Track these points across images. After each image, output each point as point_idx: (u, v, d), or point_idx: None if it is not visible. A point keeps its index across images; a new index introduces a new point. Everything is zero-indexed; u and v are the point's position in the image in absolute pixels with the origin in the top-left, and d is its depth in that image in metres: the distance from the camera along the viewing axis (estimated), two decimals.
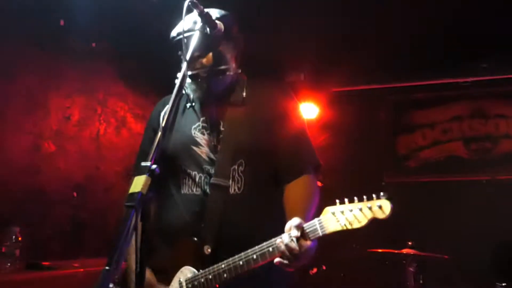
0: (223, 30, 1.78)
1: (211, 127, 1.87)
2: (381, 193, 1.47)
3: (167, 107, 1.45)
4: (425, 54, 4.57)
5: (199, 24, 1.68)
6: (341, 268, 4.92)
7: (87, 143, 3.81)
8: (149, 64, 4.24)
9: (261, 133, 1.84)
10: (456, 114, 5.16)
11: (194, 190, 1.84)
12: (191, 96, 1.94)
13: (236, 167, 1.81)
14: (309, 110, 5.24)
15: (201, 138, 1.87)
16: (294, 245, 1.54)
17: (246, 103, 1.90)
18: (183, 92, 1.92)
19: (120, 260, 1.15)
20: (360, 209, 1.47)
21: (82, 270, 2.91)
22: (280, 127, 1.86)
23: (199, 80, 1.83)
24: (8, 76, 3.15)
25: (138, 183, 1.23)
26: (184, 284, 1.77)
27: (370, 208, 1.46)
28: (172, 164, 1.89)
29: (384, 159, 5.28)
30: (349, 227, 1.48)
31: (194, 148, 1.86)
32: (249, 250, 1.64)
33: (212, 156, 1.84)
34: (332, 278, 4.91)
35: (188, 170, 1.85)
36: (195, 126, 1.91)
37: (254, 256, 1.62)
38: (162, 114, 1.40)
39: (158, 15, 3.65)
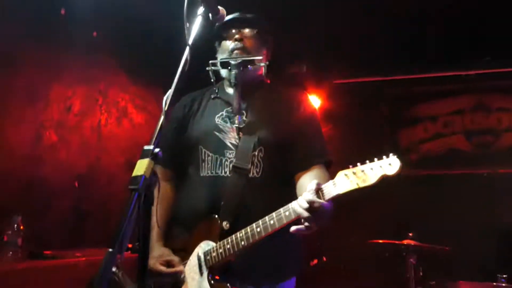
0: (225, 15, 1.80)
1: (235, 117, 2.01)
2: (390, 154, 1.56)
3: (170, 92, 1.45)
4: (428, 47, 4.56)
5: (201, 9, 1.69)
6: (342, 259, 4.93)
7: (89, 133, 3.81)
8: (151, 55, 4.24)
9: (281, 126, 2.01)
10: (458, 107, 5.15)
11: (214, 172, 1.96)
12: (217, 89, 2.13)
13: (256, 153, 1.95)
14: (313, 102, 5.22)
15: (224, 125, 2.02)
16: (314, 197, 1.60)
17: (268, 100, 2.08)
18: (214, 86, 2.15)
19: (123, 243, 1.16)
20: (371, 168, 1.55)
21: (84, 259, 2.92)
22: (298, 122, 2.04)
23: (229, 67, 2.01)
24: (9, 67, 3.14)
25: (141, 167, 1.23)
26: (202, 256, 1.87)
27: (381, 166, 1.54)
28: (194, 149, 2.03)
29: (385, 151, 5.23)
30: (362, 185, 1.55)
31: (217, 133, 2.01)
32: (266, 217, 1.73)
33: (234, 142, 1.97)
34: (333, 270, 4.92)
35: (210, 154, 1.98)
36: (218, 115, 2.06)
37: (271, 222, 1.71)
38: (164, 98, 1.42)
39: (160, 4, 3.64)
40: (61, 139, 3.54)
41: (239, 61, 2.00)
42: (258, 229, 1.73)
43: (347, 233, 4.85)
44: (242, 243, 1.76)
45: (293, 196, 1.85)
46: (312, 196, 1.61)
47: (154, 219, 1.84)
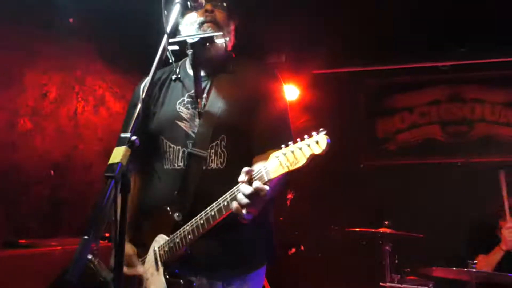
0: (204, 4, 1.77)
1: (196, 102, 1.87)
2: (320, 129, 1.47)
3: (147, 79, 1.43)
4: (404, 39, 4.60)
5: None
6: (319, 248, 5.01)
7: (65, 121, 3.75)
8: (129, 43, 4.17)
9: (243, 110, 1.86)
10: (434, 98, 5.24)
11: (176, 164, 1.86)
12: (179, 69, 1.96)
13: (218, 142, 1.83)
14: (289, 92, 5.24)
15: (186, 113, 1.89)
16: (248, 188, 1.52)
17: (232, 80, 1.92)
18: (173, 64, 1.95)
19: (99, 230, 1.15)
20: (300, 148, 1.45)
21: (59, 248, 2.90)
22: (262, 106, 1.87)
23: (186, 47, 1.84)
24: None
25: (118, 154, 1.22)
26: (157, 251, 1.80)
27: (308, 146, 1.44)
28: (156, 139, 1.91)
29: (363, 141, 5.34)
30: (292, 167, 1.46)
31: (178, 122, 1.88)
32: (207, 208, 1.66)
33: (195, 130, 1.85)
34: (310, 258, 5.00)
35: (172, 145, 1.87)
36: (179, 101, 1.92)
37: (212, 213, 1.65)
38: (142, 86, 1.38)
39: None
40: (36, 126, 3.47)
41: (196, 39, 1.82)
42: (202, 221, 1.66)
43: (325, 222, 4.92)
44: (189, 236, 1.69)
45: None
46: (243, 187, 1.54)
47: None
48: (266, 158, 1.72)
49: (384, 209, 4.42)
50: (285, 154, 1.47)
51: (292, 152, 1.46)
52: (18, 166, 3.30)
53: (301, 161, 1.44)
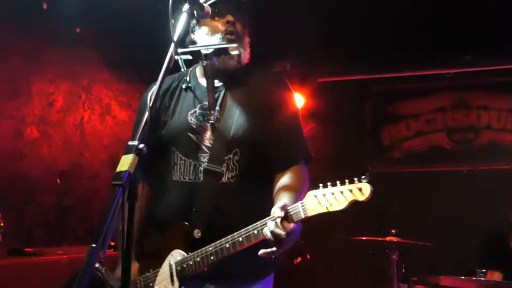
0: (210, 13, 1.77)
1: (208, 114, 1.85)
2: (362, 177, 1.50)
3: (155, 88, 1.43)
4: (409, 46, 4.61)
5: (187, 6, 1.67)
6: (325, 257, 4.97)
7: (71, 129, 3.77)
8: (135, 51, 4.21)
9: (257, 123, 1.84)
10: (439, 105, 5.23)
11: (187, 177, 1.84)
12: (189, 77, 1.94)
13: (231, 156, 1.82)
14: (296, 97, 5.24)
15: (197, 124, 1.86)
16: (278, 231, 1.54)
17: (245, 92, 1.89)
18: (185, 72, 1.95)
19: (107, 238, 1.15)
20: (341, 192, 1.49)
21: (65, 256, 2.89)
22: (276, 118, 1.86)
23: (200, 57, 1.83)
24: None
25: (125, 162, 1.22)
26: (174, 266, 1.78)
27: (350, 191, 1.48)
28: (166, 149, 1.88)
29: (368, 149, 5.33)
30: (331, 209, 1.50)
31: (190, 134, 1.85)
32: (235, 233, 1.65)
33: (208, 144, 1.83)
34: (317, 267, 4.96)
35: (183, 158, 1.85)
36: (191, 112, 1.89)
37: (240, 239, 1.64)
38: (149, 95, 1.39)
39: (145, 1, 3.61)
40: (43, 135, 3.49)
41: (211, 50, 1.80)
42: (227, 245, 1.65)
43: (331, 231, 4.90)
44: (212, 257, 1.68)
45: (271, 200, 1.75)
46: (280, 230, 1.54)
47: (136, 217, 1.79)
48: (293, 175, 1.79)
49: (391, 217, 4.39)
50: (324, 195, 1.52)
51: (333, 194, 1.50)
52: (24, 174, 3.32)
53: (342, 204, 1.49)
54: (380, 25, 4.32)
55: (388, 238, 3.73)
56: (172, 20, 1.57)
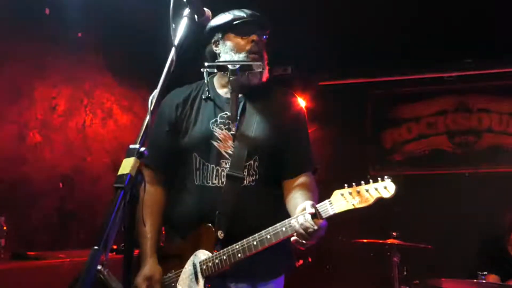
0: (210, 17, 1.81)
1: (230, 124, 1.97)
2: (385, 176, 1.63)
3: (155, 92, 1.45)
4: (411, 49, 4.63)
5: (187, 10, 1.69)
6: (327, 259, 4.97)
7: (73, 134, 3.79)
8: (137, 55, 4.23)
9: (273, 133, 1.98)
10: (441, 108, 5.23)
11: (211, 182, 1.94)
12: (208, 87, 2.06)
13: (252, 162, 1.94)
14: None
15: (219, 133, 1.98)
16: (309, 223, 1.64)
17: (263, 105, 2.03)
18: (203, 82, 2.09)
19: (108, 241, 1.16)
20: (367, 190, 1.62)
21: (68, 260, 2.90)
22: (290, 129, 2.02)
23: (226, 72, 1.95)
24: None
25: (127, 165, 1.24)
26: (198, 265, 1.87)
27: (376, 189, 1.61)
28: (188, 155, 1.99)
29: (370, 152, 5.34)
30: (358, 206, 1.62)
31: (213, 142, 1.97)
32: (262, 231, 1.76)
33: (229, 151, 1.95)
34: (318, 270, 4.96)
35: (206, 163, 1.95)
36: (213, 120, 2.01)
37: (268, 236, 1.74)
38: (150, 98, 1.42)
39: (146, 5, 3.63)
40: (46, 138, 3.51)
41: (237, 66, 1.93)
42: (255, 243, 1.76)
43: (332, 233, 4.90)
44: (239, 255, 1.78)
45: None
46: (310, 223, 1.65)
47: (147, 226, 1.90)
48: (300, 183, 1.94)
49: (392, 220, 4.39)
50: (350, 193, 1.64)
51: (358, 192, 1.63)
52: (27, 178, 3.34)
53: (369, 201, 1.62)
54: (381, 28, 4.34)
55: (389, 241, 3.74)
56: (173, 25, 1.59)
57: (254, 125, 1.97)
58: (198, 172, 1.96)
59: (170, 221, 2.04)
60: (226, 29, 2.03)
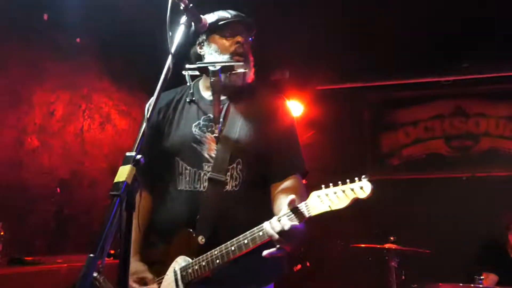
0: (207, 25, 1.82)
1: (212, 126, 1.92)
2: (363, 176, 1.55)
3: (152, 99, 1.46)
4: (408, 54, 4.65)
5: (184, 18, 1.70)
6: (325, 264, 4.97)
7: (71, 138, 3.79)
8: (135, 60, 4.24)
9: (258, 136, 1.92)
10: (438, 112, 5.26)
11: (193, 186, 1.89)
12: (192, 90, 2.02)
13: (234, 166, 1.89)
14: (293, 108, 5.27)
15: (202, 136, 1.93)
16: (280, 227, 1.59)
17: (247, 107, 1.98)
18: (188, 85, 2.05)
19: (105, 248, 1.17)
20: (343, 191, 1.55)
21: (65, 265, 2.90)
22: (275, 131, 1.95)
23: (207, 73, 1.92)
24: None
25: (123, 173, 1.25)
26: (178, 272, 1.82)
27: (352, 189, 1.54)
28: (170, 160, 1.94)
29: (367, 156, 5.35)
30: (334, 207, 1.56)
31: (194, 145, 1.91)
32: (240, 236, 1.70)
33: (212, 154, 1.89)
34: (316, 274, 4.96)
35: (188, 167, 1.90)
36: (195, 123, 1.96)
37: (245, 241, 1.69)
38: (147, 106, 1.42)
39: (144, 11, 3.65)
40: (43, 144, 3.51)
41: (218, 67, 1.89)
42: (233, 248, 1.70)
43: (330, 238, 4.90)
44: (217, 261, 1.73)
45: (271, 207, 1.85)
46: (284, 220, 1.60)
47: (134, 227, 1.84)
48: (287, 186, 1.87)
49: (390, 224, 4.40)
50: (327, 195, 1.57)
51: (335, 193, 1.56)
52: (24, 183, 3.34)
53: (344, 203, 1.55)
54: (378, 33, 4.36)
55: (386, 245, 3.74)
56: (170, 32, 1.60)
57: (238, 127, 1.92)
58: (180, 176, 1.91)
59: (153, 227, 1.98)
60: (210, 30, 1.96)
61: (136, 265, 1.91)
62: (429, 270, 3.98)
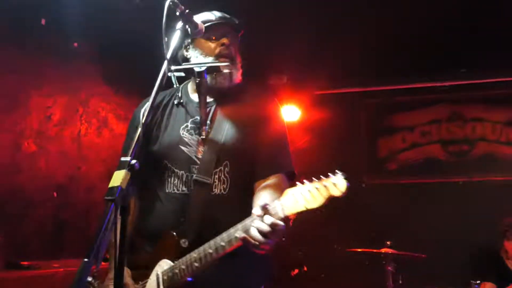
0: (203, 30, 1.82)
1: (199, 128, 1.90)
2: (337, 171, 1.49)
3: (147, 104, 1.47)
4: (405, 59, 4.66)
5: (180, 23, 1.71)
6: (322, 268, 4.97)
7: (68, 143, 3.79)
8: (132, 65, 4.24)
9: (246, 137, 1.89)
10: (434, 117, 5.27)
11: (180, 189, 1.86)
12: (181, 93, 2.00)
13: (222, 168, 1.85)
14: (291, 112, 5.29)
15: (189, 138, 1.90)
16: (255, 228, 1.53)
17: (235, 108, 1.95)
18: (174, 87, 2.02)
19: (99, 253, 1.17)
20: (317, 188, 1.48)
21: (61, 270, 2.90)
22: (263, 131, 1.91)
23: (193, 74, 1.89)
24: None
25: (118, 178, 1.25)
26: (160, 276, 1.79)
27: (326, 187, 1.46)
28: (158, 163, 1.92)
29: (364, 161, 5.36)
30: (308, 206, 1.48)
31: (182, 147, 1.89)
32: (217, 238, 1.66)
33: (199, 155, 1.87)
34: (314, 279, 4.96)
35: (176, 170, 1.88)
36: (183, 126, 1.93)
37: (222, 243, 1.64)
38: (142, 111, 1.42)
39: (141, 15, 3.66)
40: (41, 148, 3.52)
41: (203, 68, 1.86)
42: (210, 251, 1.66)
43: (327, 242, 4.91)
44: (196, 264, 1.68)
45: None
46: (257, 223, 1.54)
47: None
48: (272, 183, 1.82)
49: (386, 228, 4.41)
50: (301, 193, 1.50)
51: (309, 191, 1.48)
52: (21, 187, 3.34)
53: (319, 201, 1.47)
54: (375, 38, 4.38)
55: (383, 250, 3.75)
56: (166, 38, 1.61)
57: (225, 129, 1.89)
58: (169, 179, 1.88)
59: (140, 232, 1.93)
60: (183, 34, 1.86)
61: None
62: (426, 274, 3.98)
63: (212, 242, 1.67)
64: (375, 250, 3.78)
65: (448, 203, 4.69)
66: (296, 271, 5.08)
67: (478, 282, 3.19)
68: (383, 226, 4.49)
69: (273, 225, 1.52)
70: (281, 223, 1.53)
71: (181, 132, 1.92)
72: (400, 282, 3.83)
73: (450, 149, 5.16)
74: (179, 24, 1.71)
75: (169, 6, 1.61)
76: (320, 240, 4.92)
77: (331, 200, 1.47)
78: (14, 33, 3.29)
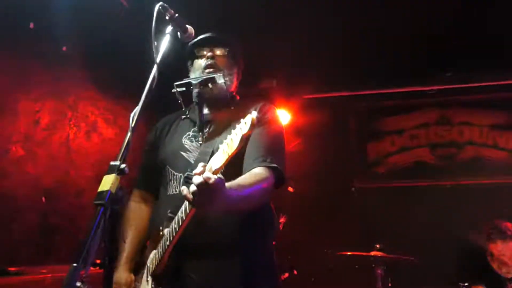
0: (193, 34, 1.84)
1: (199, 135, 2.05)
2: (252, 109, 1.54)
3: (136, 108, 1.48)
4: (393, 63, 4.71)
5: (170, 28, 1.72)
6: (312, 272, 4.98)
7: (57, 147, 3.76)
8: (121, 69, 4.22)
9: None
10: (423, 121, 5.33)
11: (178, 190, 1.99)
12: (188, 110, 2.18)
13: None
14: (281, 117, 5.30)
15: (189, 145, 2.05)
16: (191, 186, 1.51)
17: (231, 115, 2.03)
18: (188, 107, 2.19)
19: (88, 257, 1.17)
20: (236, 134, 1.48)
21: (50, 276, 2.87)
22: (257, 131, 1.93)
23: (192, 87, 2.03)
24: None
25: (107, 182, 1.25)
26: (149, 266, 1.95)
27: (240, 129, 1.47)
28: (163, 170, 2.08)
29: (354, 164, 5.39)
30: (230, 151, 1.48)
31: (183, 153, 2.03)
32: (178, 212, 1.76)
33: (196, 159, 1.97)
34: (303, 283, 4.96)
35: (175, 173, 2.02)
36: (186, 135, 2.10)
37: (181, 215, 1.74)
38: (131, 115, 1.44)
39: (131, 20, 3.66)
40: (29, 152, 3.48)
41: (199, 80, 2.03)
42: (175, 225, 1.77)
43: (318, 246, 4.92)
44: (167, 243, 1.80)
45: (257, 211, 1.87)
46: (195, 178, 1.51)
47: (127, 241, 1.95)
48: (252, 172, 1.85)
49: (376, 232, 4.43)
50: (227, 144, 1.50)
51: (232, 139, 1.49)
52: (9, 192, 3.30)
53: (235, 143, 1.46)
54: (364, 42, 4.42)
55: (373, 253, 3.77)
56: (155, 42, 1.61)
57: (220, 133, 2.00)
58: (170, 182, 2.03)
59: (148, 234, 2.11)
60: (191, 55, 2.17)
61: (124, 275, 2.03)
62: (415, 277, 4.01)
63: (176, 217, 1.77)
64: (364, 253, 3.79)
65: (436, 206, 4.73)
66: (286, 275, 5.08)
67: (466, 284, 3.21)
68: (372, 229, 4.52)
69: (206, 178, 1.48)
70: (213, 176, 1.48)
71: (183, 140, 2.08)
72: (390, 284, 3.85)
73: (438, 152, 5.21)
74: (169, 28, 1.73)
75: (159, 10, 1.63)
76: (310, 244, 4.93)
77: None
78: (2, 37, 3.26)
